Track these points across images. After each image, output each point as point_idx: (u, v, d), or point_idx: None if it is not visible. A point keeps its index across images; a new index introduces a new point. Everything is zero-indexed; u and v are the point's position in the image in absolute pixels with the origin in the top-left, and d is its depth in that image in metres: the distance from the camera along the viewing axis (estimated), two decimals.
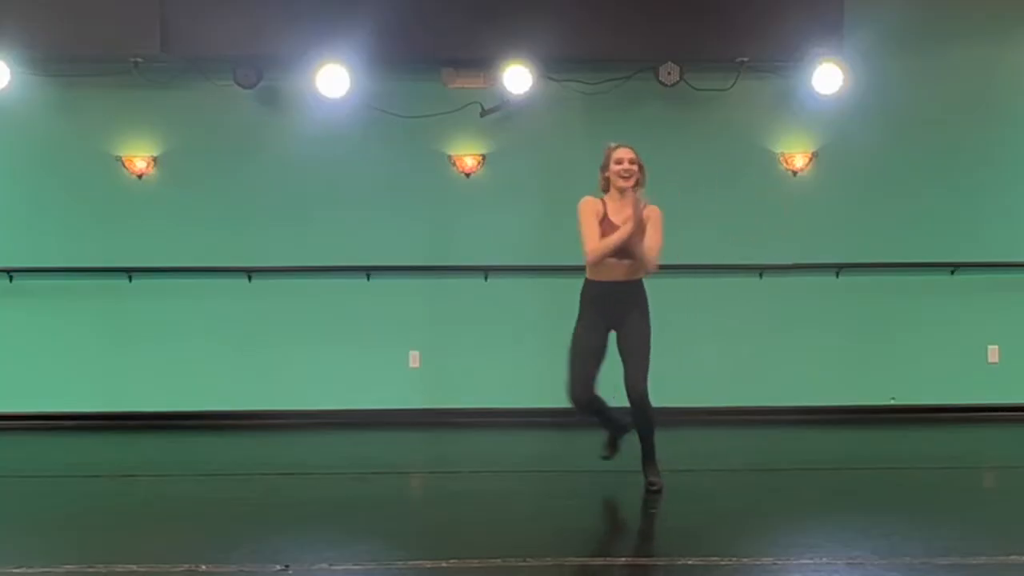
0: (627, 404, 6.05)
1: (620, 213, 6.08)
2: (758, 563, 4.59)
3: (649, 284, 8.60)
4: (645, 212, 5.96)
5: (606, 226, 6.07)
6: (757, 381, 9.04)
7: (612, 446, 6.50)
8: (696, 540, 4.97)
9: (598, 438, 6.41)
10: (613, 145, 6.25)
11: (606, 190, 6.23)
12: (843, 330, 9.12)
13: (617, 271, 6.09)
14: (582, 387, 6.06)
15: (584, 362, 6.07)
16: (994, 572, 4.48)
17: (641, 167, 6.18)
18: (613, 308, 6.12)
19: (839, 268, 9.07)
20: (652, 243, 6.05)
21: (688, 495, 6.15)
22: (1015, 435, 8.43)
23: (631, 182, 6.12)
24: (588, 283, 6.21)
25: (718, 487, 6.44)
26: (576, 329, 6.17)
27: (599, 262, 6.07)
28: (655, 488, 6.10)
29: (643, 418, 6.06)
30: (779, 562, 4.61)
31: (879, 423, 8.82)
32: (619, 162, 6.14)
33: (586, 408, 6.14)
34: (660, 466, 6.18)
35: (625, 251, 6.02)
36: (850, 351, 9.10)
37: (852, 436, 8.38)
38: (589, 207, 6.13)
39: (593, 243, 6.04)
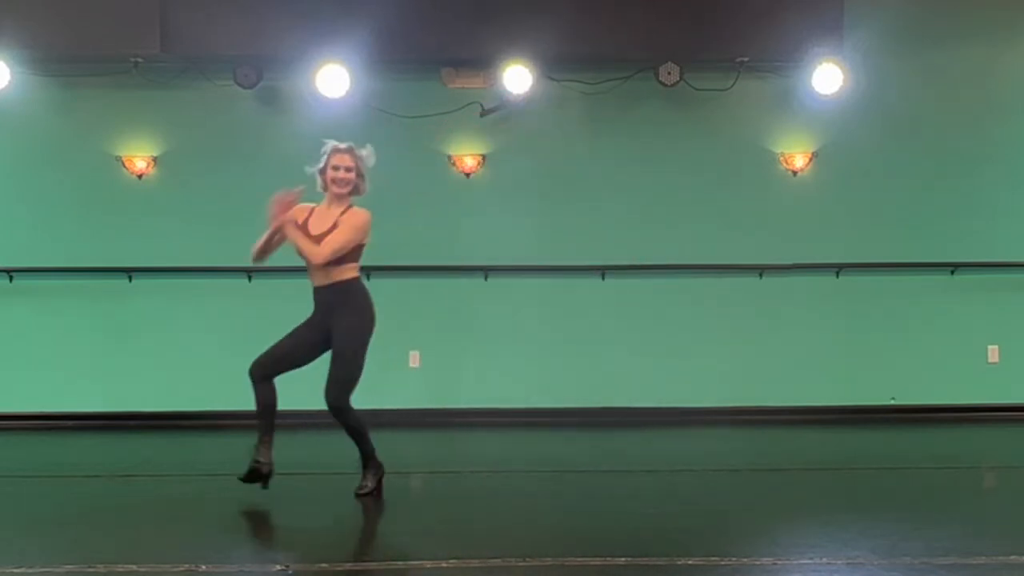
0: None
1: (320, 221, 6.00)
2: (758, 563, 4.58)
3: (650, 283, 8.62)
4: (347, 215, 5.98)
5: (301, 230, 6.01)
6: (757, 381, 9.05)
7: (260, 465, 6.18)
8: (696, 540, 4.96)
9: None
10: (334, 147, 6.10)
11: (324, 190, 6.12)
12: (843, 330, 9.12)
13: (317, 276, 6.08)
14: (260, 363, 6.13)
15: (281, 344, 6.13)
16: (994, 572, 4.47)
17: (362, 175, 6.08)
18: (325, 314, 6.08)
19: (839, 268, 9.07)
20: (330, 238, 5.97)
21: (688, 495, 6.14)
22: (1015, 435, 8.43)
23: (345, 189, 6.01)
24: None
25: (718, 487, 6.43)
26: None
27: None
28: (363, 491, 6.11)
29: (344, 423, 6.13)
30: (779, 562, 4.61)
31: (879, 423, 8.82)
32: (336, 168, 6.02)
33: (256, 384, 6.18)
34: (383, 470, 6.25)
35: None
36: (850, 351, 9.11)
37: (852, 436, 8.38)
38: (292, 212, 6.02)
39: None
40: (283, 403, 9.00)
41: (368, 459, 6.27)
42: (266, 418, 6.23)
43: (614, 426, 8.67)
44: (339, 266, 6.04)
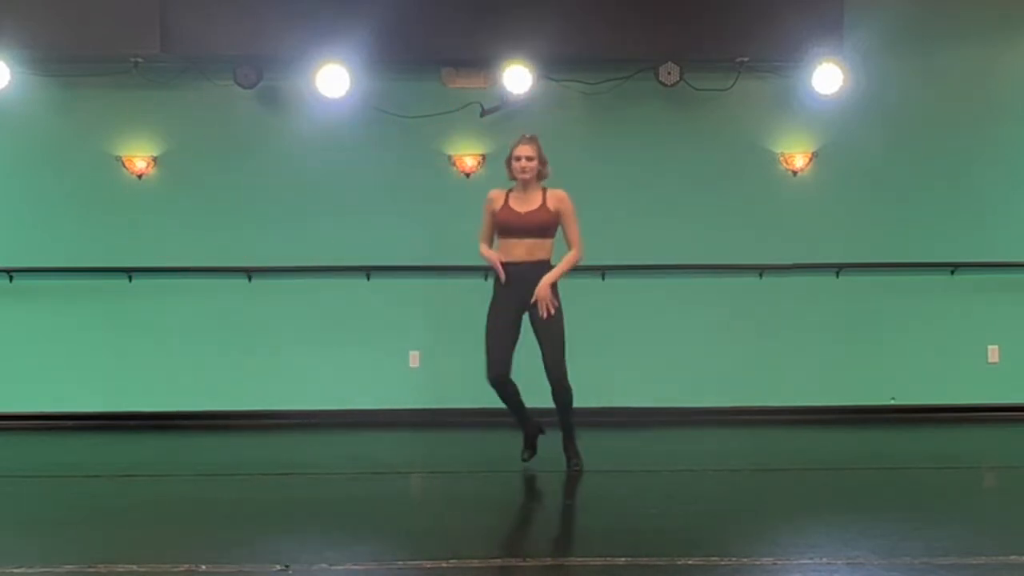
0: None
1: (523, 202, 6.58)
2: (758, 563, 4.58)
3: (650, 284, 8.64)
4: (553, 202, 6.60)
5: (506, 213, 6.57)
6: (757, 381, 9.05)
7: (531, 447, 6.85)
8: (696, 540, 4.96)
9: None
10: (517, 140, 6.67)
11: (513, 179, 6.65)
12: (843, 330, 9.12)
13: (517, 251, 6.57)
14: (499, 368, 6.53)
15: (495, 340, 6.55)
16: (994, 572, 4.47)
17: (543, 161, 6.63)
18: (521, 289, 6.52)
19: (839, 268, 9.07)
20: (573, 238, 6.67)
21: (688, 495, 6.14)
22: (1015, 435, 8.43)
23: (527, 176, 6.57)
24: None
25: (718, 487, 6.43)
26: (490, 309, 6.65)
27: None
28: (579, 467, 6.62)
29: (566, 398, 6.59)
30: (779, 562, 4.61)
31: (879, 423, 8.82)
32: (517, 159, 6.58)
33: (502, 390, 6.58)
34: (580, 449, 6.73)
35: (522, 230, 6.53)
36: (850, 351, 9.11)
37: (852, 436, 8.38)
38: (487, 204, 6.68)
39: (482, 241, 6.73)
40: (282, 403, 9.05)
41: (573, 434, 6.79)
42: (520, 407, 6.74)
43: (614, 426, 8.67)
44: (543, 243, 6.60)
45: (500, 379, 6.54)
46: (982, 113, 9.11)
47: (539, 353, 6.61)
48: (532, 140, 6.64)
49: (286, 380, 9.05)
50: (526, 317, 6.62)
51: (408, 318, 9.07)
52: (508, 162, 6.66)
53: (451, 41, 8.64)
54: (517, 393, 6.66)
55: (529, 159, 6.57)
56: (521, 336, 6.63)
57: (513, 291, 6.56)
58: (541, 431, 6.83)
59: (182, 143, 9.04)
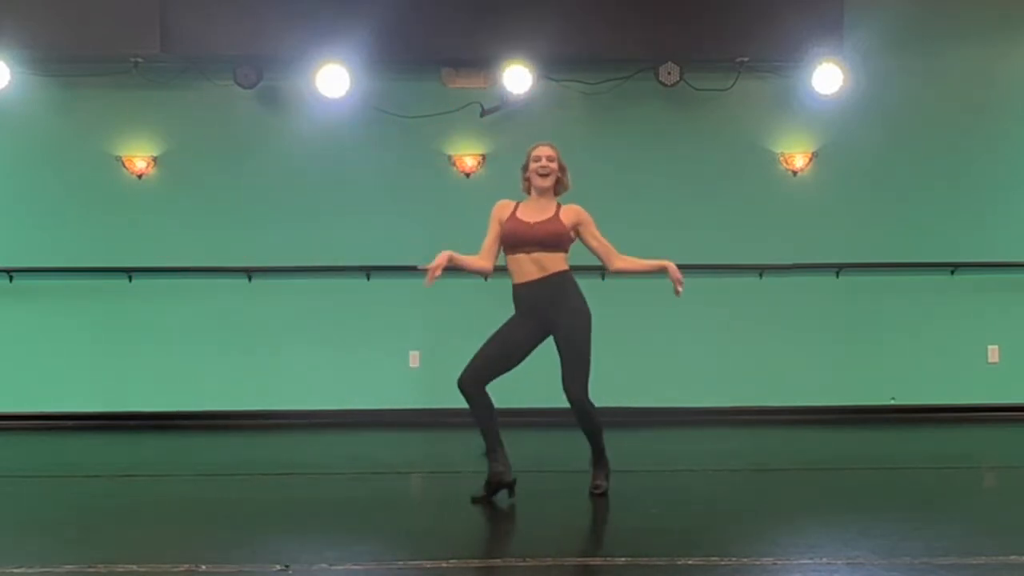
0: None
1: (534, 212, 5.93)
2: (758, 563, 4.58)
3: (649, 284, 8.63)
4: (568, 216, 5.93)
5: (512, 223, 5.91)
6: (756, 381, 9.05)
7: (488, 490, 5.93)
8: (696, 540, 4.96)
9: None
10: (534, 144, 6.08)
11: (527, 192, 6.04)
12: (843, 330, 9.12)
13: (527, 268, 5.89)
14: (469, 375, 5.82)
15: (486, 350, 5.88)
16: (994, 572, 4.47)
17: (563, 168, 6.00)
18: (539, 309, 5.88)
19: (839, 268, 9.07)
20: (608, 245, 6.06)
21: (688, 495, 6.14)
22: (1015, 435, 8.43)
23: (548, 180, 5.93)
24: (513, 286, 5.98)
25: (718, 487, 6.43)
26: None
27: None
28: (599, 491, 5.99)
29: (586, 422, 5.94)
30: (779, 562, 4.61)
31: (879, 423, 8.83)
32: (536, 159, 5.94)
33: (469, 398, 5.82)
34: (610, 467, 6.11)
35: (529, 242, 5.84)
36: (850, 351, 9.11)
37: (852, 436, 8.38)
38: (495, 212, 6.01)
39: (480, 252, 6.03)
40: (282, 403, 9.05)
41: (601, 457, 6.10)
42: (490, 427, 5.92)
43: (614, 426, 8.63)
44: (554, 255, 5.88)
45: (470, 388, 5.78)
46: (982, 113, 9.11)
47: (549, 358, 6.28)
48: (551, 144, 6.02)
49: (286, 380, 9.05)
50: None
51: (408, 318, 9.07)
52: (524, 168, 5.99)
53: (451, 41, 8.65)
54: (490, 409, 5.87)
55: (550, 159, 5.90)
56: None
57: (529, 314, 5.88)
58: (511, 486, 5.94)
59: (182, 143, 9.05)
